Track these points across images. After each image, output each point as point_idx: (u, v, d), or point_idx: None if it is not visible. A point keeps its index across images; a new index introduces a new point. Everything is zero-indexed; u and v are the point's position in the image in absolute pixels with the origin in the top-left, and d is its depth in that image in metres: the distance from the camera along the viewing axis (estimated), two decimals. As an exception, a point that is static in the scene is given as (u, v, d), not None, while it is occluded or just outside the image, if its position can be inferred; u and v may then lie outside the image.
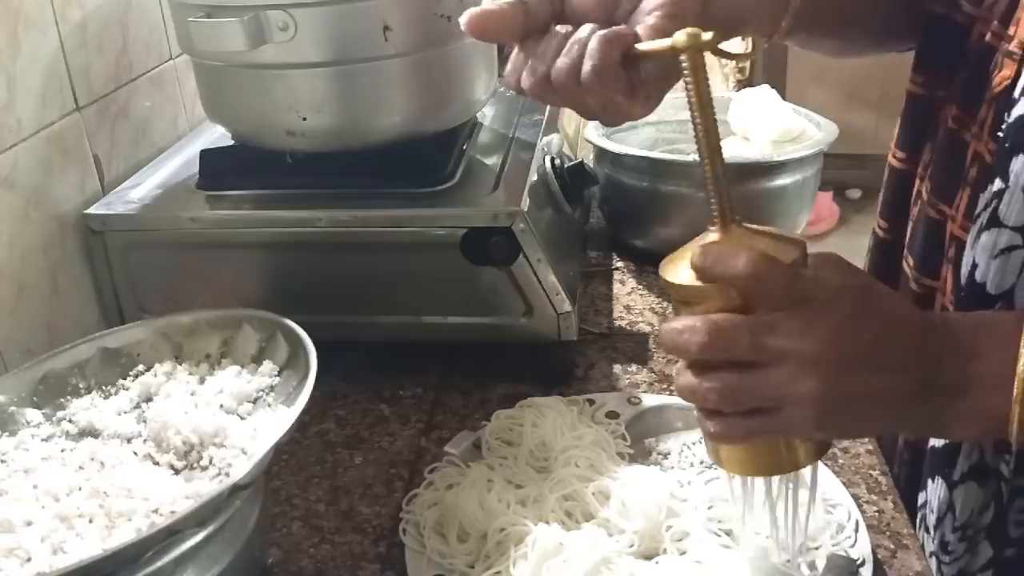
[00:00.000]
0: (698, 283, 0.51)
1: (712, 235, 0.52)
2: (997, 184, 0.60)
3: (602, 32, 0.55)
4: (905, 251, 0.76)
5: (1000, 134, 0.62)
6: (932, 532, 0.70)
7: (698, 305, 0.51)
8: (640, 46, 0.54)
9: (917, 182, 0.75)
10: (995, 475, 0.65)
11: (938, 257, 0.70)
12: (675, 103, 1.22)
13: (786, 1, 0.68)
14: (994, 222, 0.60)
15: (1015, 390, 0.51)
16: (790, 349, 0.49)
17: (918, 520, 0.72)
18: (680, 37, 0.48)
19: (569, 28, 0.57)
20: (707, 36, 0.48)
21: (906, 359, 0.52)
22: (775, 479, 0.56)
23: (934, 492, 0.69)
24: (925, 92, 0.75)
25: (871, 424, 0.55)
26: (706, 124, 0.49)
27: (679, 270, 0.52)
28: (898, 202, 0.79)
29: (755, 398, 0.51)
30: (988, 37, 0.66)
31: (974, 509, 0.66)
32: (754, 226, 0.53)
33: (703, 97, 0.49)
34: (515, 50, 0.59)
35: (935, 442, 0.68)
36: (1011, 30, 0.63)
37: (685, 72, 0.49)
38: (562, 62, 0.56)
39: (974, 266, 0.62)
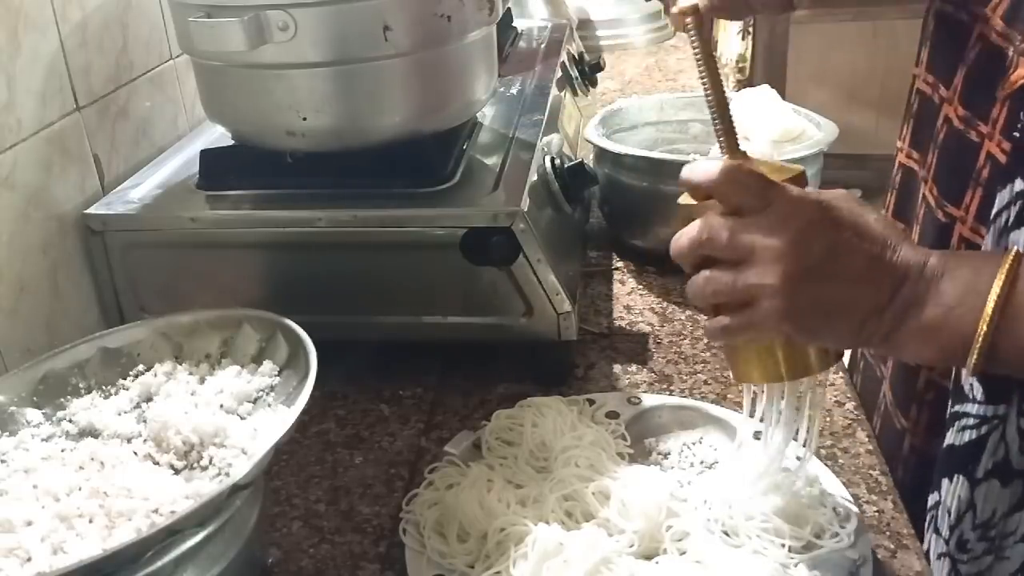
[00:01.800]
0: (693, 201, 0.60)
1: None
2: (1019, 184, 0.60)
3: None
4: None
5: (1017, 133, 0.61)
6: (948, 532, 0.69)
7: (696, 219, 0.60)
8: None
9: (922, 185, 0.75)
10: (1021, 477, 0.65)
11: None
12: (675, 103, 1.23)
13: None
14: (1022, 221, 0.60)
15: (987, 308, 0.53)
16: (758, 245, 0.56)
17: (927, 522, 0.71)
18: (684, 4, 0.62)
19: None
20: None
21: (862, 271, 0.56)
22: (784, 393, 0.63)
23: (951, 491, 0.68)
24: (932, 91, 0.75)
25: (835, 329, 0.58)
26: (711, 76, 0.61)
27: (684, 197, 0.62)
28: (910, 203, 0.79)
29: (732, 290, 0.57)
30: (993, 37, 0.65)
31: (996, 510, 0.66)
32: (758, 156, 0.62)
33: (707, 54, 0.61)
34: None
35: (954, 440, 0.68)
36: None
37: (691, 31, 0.61)
38: None
39: None
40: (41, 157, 0.83)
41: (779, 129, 1.10)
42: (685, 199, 0.61)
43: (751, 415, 0.66)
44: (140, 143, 1.00)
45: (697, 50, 0.61)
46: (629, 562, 0.62)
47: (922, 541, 0.70)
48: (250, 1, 0.78)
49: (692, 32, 0.61)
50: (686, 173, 0.60)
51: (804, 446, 0.66)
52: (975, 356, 0.54)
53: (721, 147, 0.62)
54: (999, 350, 0.54)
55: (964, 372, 0.64)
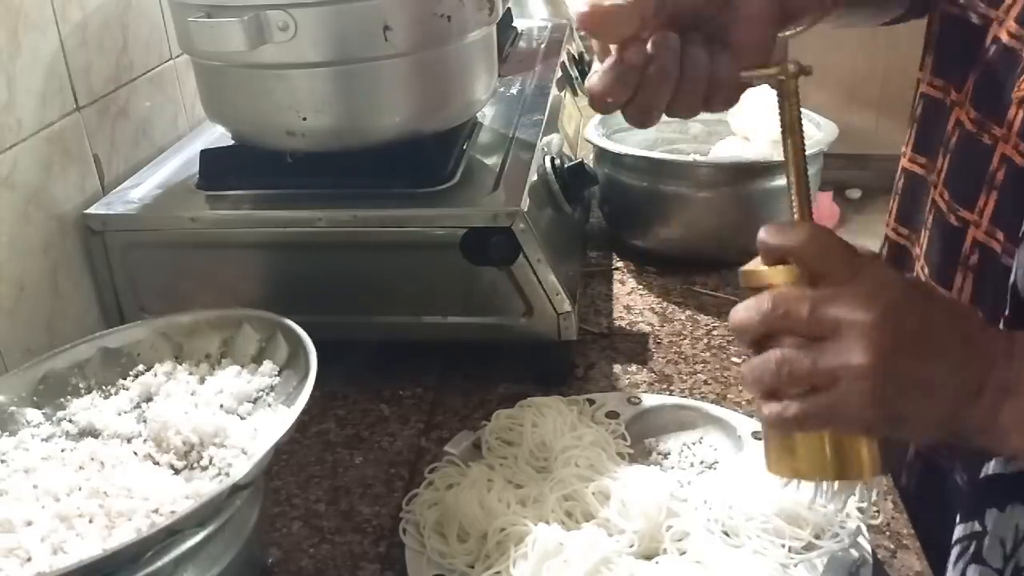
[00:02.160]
0: (764, 267, 0.54)
1: None
2: None
3: (726, 62, 0.58)
4: (922, 260, 0.75)
5: None
6: (1003, 563, 0.64)
7: (766, 289, 0.53)
8: (745, 74, 0.58)
9: (932, 190, 0.74)
10: None
11: (954, 264, 0.68)
12: (675, 103, 1.23)
13: None
14: None
15: None
16: (846, 319, 0.50)
17: (957, 553, 0.66)
18: (789, 67, 0.55)
19: (668, 39, 0.57)
20: (806, 66, 0.55)
21: (959, 349, 0.51)
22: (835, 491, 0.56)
23: (1003, 521, 0.63)
24: (942, 96, 0.73)
25: (927, 417, 0.52)
26: (795, 142, 0.55)
27: (752, 263, 0.55)
28: (917, 209, 0.77)
29: (811, 372, 0.51)
30: (1006, 39, 0.64)
31: None
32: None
33: (795, 119, 0.56)
34: (606, 63, 0.58)
35: (1003, 469, 0.64)
36: None
37: (779, 96, 0.56)
38: (689, 87, 0.58)
39: None
40: (41, 157, 0.83)
41: (779, 129, 1.10)
42: (752, 265, 0.55)
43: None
44: (140, 143, 1.00)
45: (784, 116, 0.56)
46: (629, 562, 0.62)
47: (935, 569, 0.67)
48: (250, 1, 0.78)
49: (782, 99, 0.56)
50: (764, 234, 0.53)
51: None
52: None
53: (793, 210, 0.55)
54: None
55: None
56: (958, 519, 0.67)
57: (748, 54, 0.58)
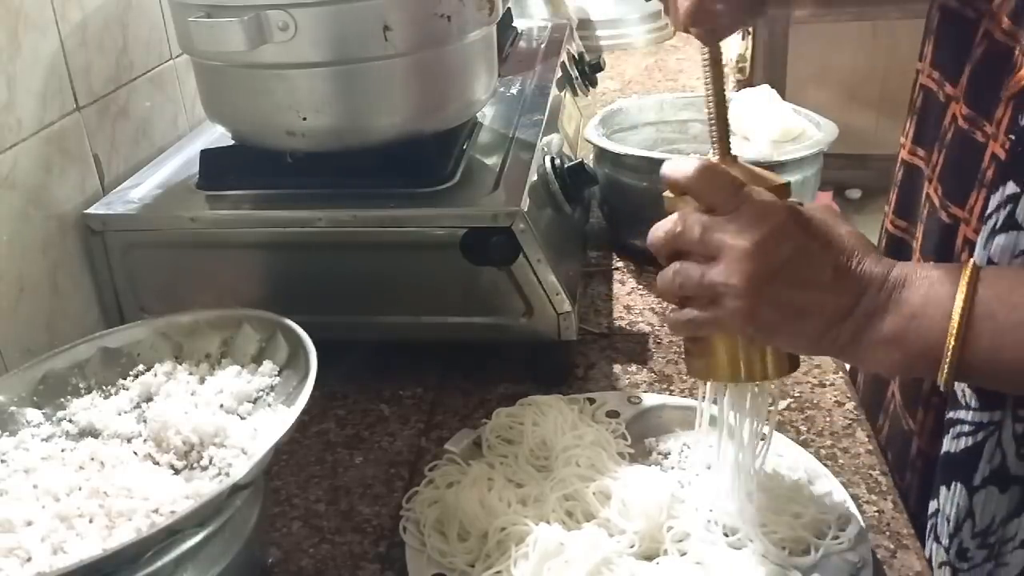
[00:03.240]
0: (672, 195, 0.62)
1: None
2: (1011, 187, 0.60)
3: None
4: (919, 255, 0.75)
5: (1013, 136, 0.61)
6: (948, 540, 0.68)
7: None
8: None
9: (926, 184, 0.74)
10: (1018, 482, 0.64)
11: (948, 261, 0.69)
12: (675, 103, 1.23)
13: None
14: (1011, 224, 0.60)
15: (952, 322, 0.53)
16: (727, 244, 0.56)
17: (927, 529, 0.71)
18: None
19: None
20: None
21: (826, 278, 0.56)
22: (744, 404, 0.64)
23: (950, 498, 0.67)
24: (937, 88, 0.74)
25: (796, 334, 0.58)
26: (715, 75, 0.64)
27: (667, 192, 0.63)
28: (914, 201, 0.78)
29: (699, 285, 0.58)
30: (999, 35, 0.65)
31: (995, 516, 0.66)
32: (748, 164, 0.63)
33: (715, 56, 0.64)
34: None
35: (950, 447, 0.67)
36: None
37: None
38: None
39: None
40: (41, 157, 0.83)
41: (779, 129, 1.10)
42: (670, 192, 0.63)
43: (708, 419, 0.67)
44: (140, 143, 1.00)
45: (706, 56, 0.64)
46: (630, 563, 0.62)
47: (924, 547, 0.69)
48: (250, 1, 0.78)
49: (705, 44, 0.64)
50: (666, 169, 0.61)
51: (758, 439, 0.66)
52: (945, 371, 0.54)
53: (713, 148, 0.64)
54: (964, 363, 0.54)
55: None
56: (930, 497, 0.70)
57: None
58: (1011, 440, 0.64)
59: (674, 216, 0.60)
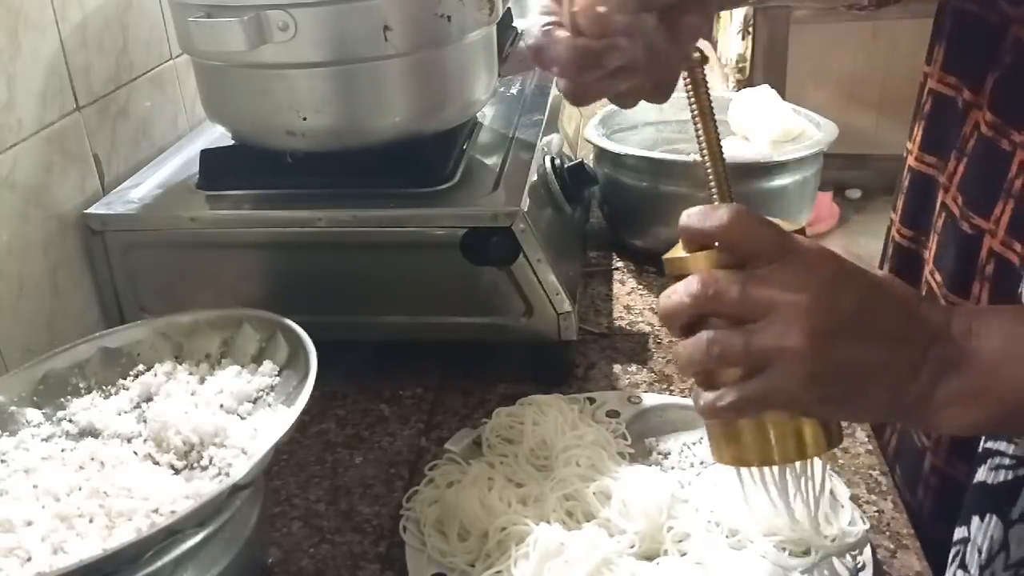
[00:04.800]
0: (688, 253, 0.52)
1: None
2: None
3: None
4: (931, 265, 0.73)
5: None
6: (979, 571, 0.64)
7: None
8: None
9: (941, 193, 0.72)
10: None
11: (970, 274, 0.67)
12: (675, 103, 1.23)
13: None
14: None
15: None
16: (779, 300, 0.48)
17: (951, 556, 0.66)
18: (695, 56, 0.55)
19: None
20: (696, 56, 0.55)
21: (896, 329, 0.50)
22: (784, 473, 0.55)
23: (983, 530, 0.63)
24: (954, 94, 0.71)
25: (866, 397, 0.51)
26: (708, 127, 0.55)
27: (674, 250, 0.53)
28: (925, 210, 0.75)
29: (744, 353, 0.49)
30: None
31: None
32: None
33: (706, 105, 0.55)
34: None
35: (987, 478, 0.63)
36: None
37: (690, 85, 0.55)
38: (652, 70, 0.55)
39: None
40: (41, 157, 0.83)
41: (779, 129, 1.10)
42: (674, 252, 0.53)
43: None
44: (140, 143, 1.00)
45: (693, 100, 0.56)
46: (630, 563, 0.62)
47: (936, 570, 0.67)
48: (250, 1, 0.78)
49: (689, 83, 0.56)
50: (686, 219, 0.51)
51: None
52: None
53: (711, 190, 0.55)
54: None
55: None
56: (958, 522, 0.66)
57: (690, 36, 0.55)
58: None
59: (697, 276, 0.50)
